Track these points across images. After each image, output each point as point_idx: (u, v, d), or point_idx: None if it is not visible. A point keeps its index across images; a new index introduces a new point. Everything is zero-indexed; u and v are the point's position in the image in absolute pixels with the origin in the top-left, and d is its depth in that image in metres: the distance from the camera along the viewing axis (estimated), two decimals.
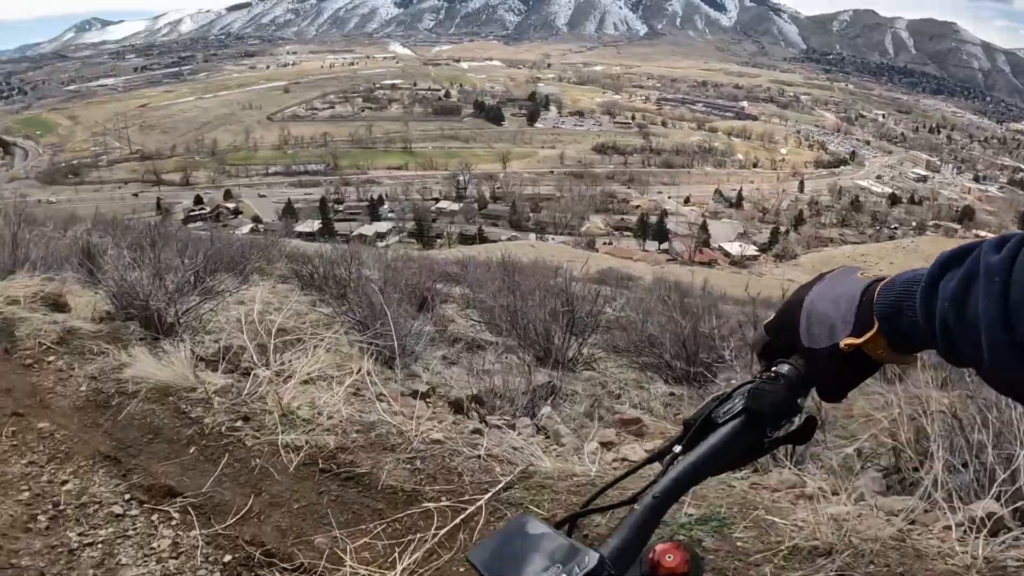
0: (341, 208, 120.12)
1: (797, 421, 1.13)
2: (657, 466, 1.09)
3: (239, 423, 4.11)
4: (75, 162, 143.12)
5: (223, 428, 4.06)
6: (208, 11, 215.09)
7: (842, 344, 1.03)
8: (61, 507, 3.47)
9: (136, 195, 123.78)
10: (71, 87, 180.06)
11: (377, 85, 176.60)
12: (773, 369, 1.13)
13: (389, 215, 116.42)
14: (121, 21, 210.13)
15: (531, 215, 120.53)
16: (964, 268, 0.85)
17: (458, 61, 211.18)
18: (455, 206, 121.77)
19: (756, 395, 1.08)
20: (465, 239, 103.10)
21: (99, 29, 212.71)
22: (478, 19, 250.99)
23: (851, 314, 1.03)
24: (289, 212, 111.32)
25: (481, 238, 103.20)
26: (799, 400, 1.11)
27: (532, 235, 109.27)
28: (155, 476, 3.65)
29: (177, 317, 6.11)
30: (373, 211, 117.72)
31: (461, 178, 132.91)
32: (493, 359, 7.46)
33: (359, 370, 4.69)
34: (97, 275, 7.46)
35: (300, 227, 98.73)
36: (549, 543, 0.94)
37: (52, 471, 3.78)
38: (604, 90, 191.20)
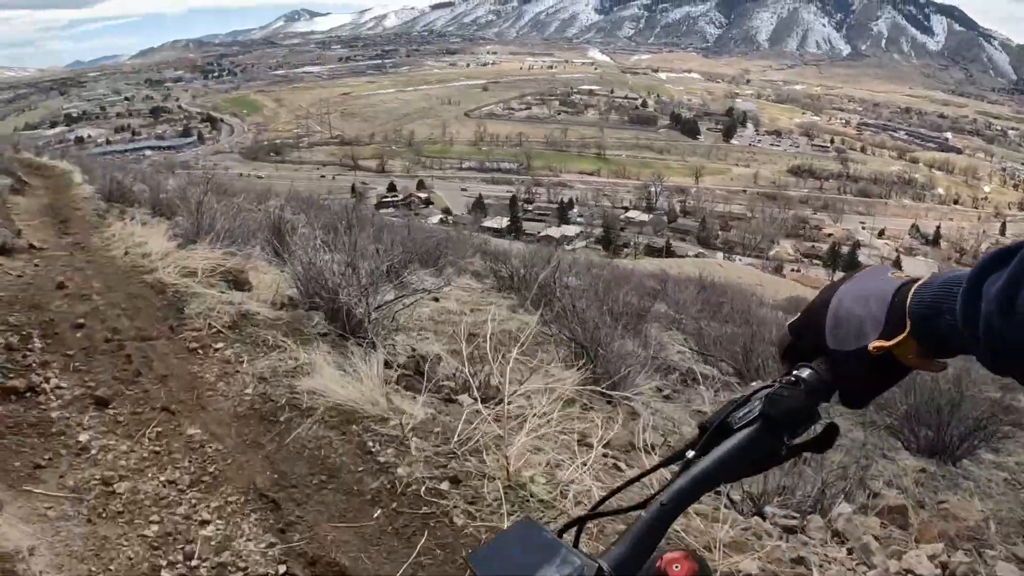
0: (531, 208, 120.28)
1: (817, 428, 1.08)
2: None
3: (444, 485, 3.17)
4: (277, 141, 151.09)
5: (422, 489, 3.12)
6: (412, 8, 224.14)
7: (871, 347, 0.97)
8: (194, 562, 2.77)
9: (333, 177, 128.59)
10: (278, 72, 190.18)
11: (574, 90, 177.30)
12: (794, 373, 1.07)
13: (578, 219, 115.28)
14: (328, 13, 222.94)
15: (720, 233, 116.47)
16: (1012, 267, 0.79)
17: (656, 71, 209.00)
18: (644, 217, 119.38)
19: (773, 400, 1.03)
20: (652, 251, 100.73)
21: (307, 20, 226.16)
22: (678, 30, 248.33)
23: (882, 314, 0.97)
24: (479, 207, 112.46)
25: (668, 252, 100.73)
26: (820, 406, 1.06)
27: (719, 254, 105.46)
28: (322, 543, 2.83)
29: (368, 314, 5.38)
30: (562, 214, 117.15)
31: (652, 189, 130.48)
32: (711, 397, 6.36)
33: (590, 417, 3.99)
34: (284, 255, 7.23)
35: (489, 222, 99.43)
36: (549, 551, 0.93)
37: (193, 501, 3.15)
38: (803, 110, 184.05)
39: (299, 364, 4.29)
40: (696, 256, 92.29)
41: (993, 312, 0.80)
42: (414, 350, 5.30)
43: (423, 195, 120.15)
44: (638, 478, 1.15)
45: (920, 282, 0.96)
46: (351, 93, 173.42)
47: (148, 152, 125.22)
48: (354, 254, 6.01)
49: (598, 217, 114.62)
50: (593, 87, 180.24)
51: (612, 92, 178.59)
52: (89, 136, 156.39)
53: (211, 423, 3.74)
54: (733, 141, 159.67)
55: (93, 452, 3.48)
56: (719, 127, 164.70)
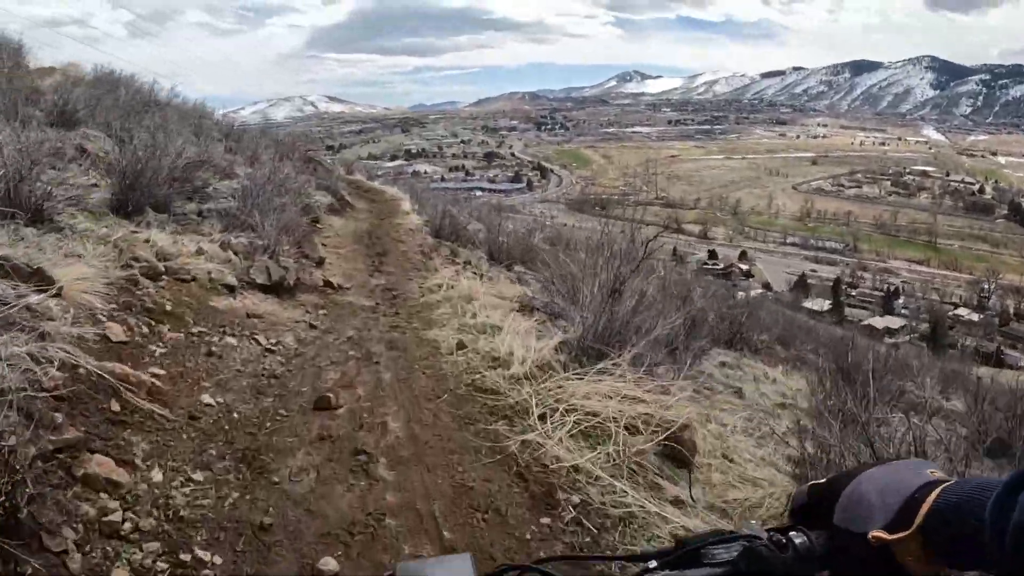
0: (854, 293, 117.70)
1: None
2: None
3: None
4: (603, 196, 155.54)
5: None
6: (743, 75, 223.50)
7: (870, 536, 0.92)
8: None
9: (655, 238, 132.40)
10: (608, 130, 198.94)
11: (907, 170, 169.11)
12: (789, 534, 1.02)
13: (903, 311, 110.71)
14: (660, 76, 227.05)
15: None
16: None
17: (994, 154, 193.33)
18: (974, 316, 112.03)
19: (752, 556, 0.97)
20: (980, 355, 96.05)
21: (638, 82, 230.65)
22: (1018, 109, 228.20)
23: (894, 507, 0.93)
24: (801, 286, 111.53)
25: (998, 360, 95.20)
26: None
27: None
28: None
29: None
30: (886, 303, 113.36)
31: (985, 286, 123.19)
32: None
33: None
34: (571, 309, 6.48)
35: (809, 303, 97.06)
36: None
37: None
38: None
39: None
40: None
41: None
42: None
43: (744, 266, 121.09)
44: (592, 557, 1.23)
45: (951, 482, 0.92)
46: (678, 156, 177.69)
47: (479, 192, 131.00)
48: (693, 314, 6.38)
49: (925, 311, 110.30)
50: (927, 168, 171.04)
51: (947, 175, 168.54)
52: (425, 172, 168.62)
53: None
54: None
55: None
56: None
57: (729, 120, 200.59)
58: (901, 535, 0.90)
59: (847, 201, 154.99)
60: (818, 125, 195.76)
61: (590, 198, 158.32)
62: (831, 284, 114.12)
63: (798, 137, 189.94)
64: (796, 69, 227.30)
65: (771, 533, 1.03)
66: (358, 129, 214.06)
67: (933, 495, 0.91)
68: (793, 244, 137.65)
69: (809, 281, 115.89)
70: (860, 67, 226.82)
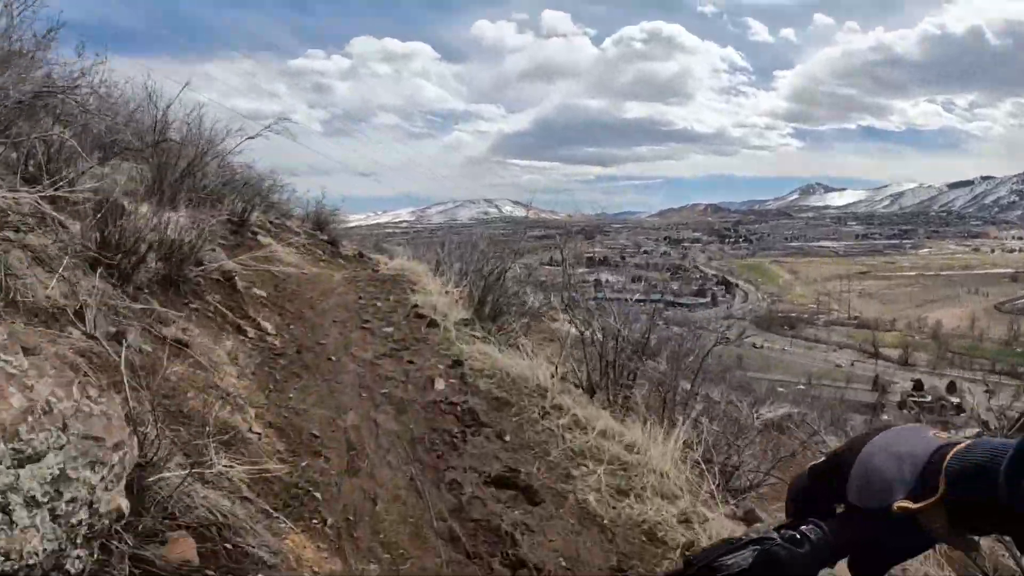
0: None
1: None
2: None
3: None
4: (792, 315, 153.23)
5: None
6: (930, 186, 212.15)
7: (895, 506, 0.89)
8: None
9: (852, 364, 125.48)
10: (793, 244, 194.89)
11: None
12: (801, 529, 0.98)
13: None
14: (843, 189, 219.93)
15: None
16: None
17: None
18: None
19: (770, 558, 0.92)
20: None
21: (821, 194, 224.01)
22: None
23: (913, 475, 0.90)
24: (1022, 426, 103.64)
25: None
26: (823, 571, 0.95)
27: None
28: None
29: None
30: None
31: None
32: None
33: None
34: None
35: None
36: None
37: None
38: None
39: None
40: None
41: None
42: None
43: (954, 400, 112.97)
44: None
45: (962, 445, 0.90)
46: (868, 272, 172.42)
47: (662, 306, 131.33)
48: None
49: None
50: None
51: None
52: (607, 280, 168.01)
53: None
54: None
55: None
56: None
57: (918, 234, 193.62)
58: (929, 501, 0.88)
59: None
60: (1013, 238, 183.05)
61: (778, 316, 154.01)
62: None
63: (992, 251, 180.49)
64: (985, 178, 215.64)
65: (782, 531, 1.01)
66: (540, 234, 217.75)
67: (947, 458, 0.90)
68: (1002, 372, 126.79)
69: None
70: None
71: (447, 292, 9.49)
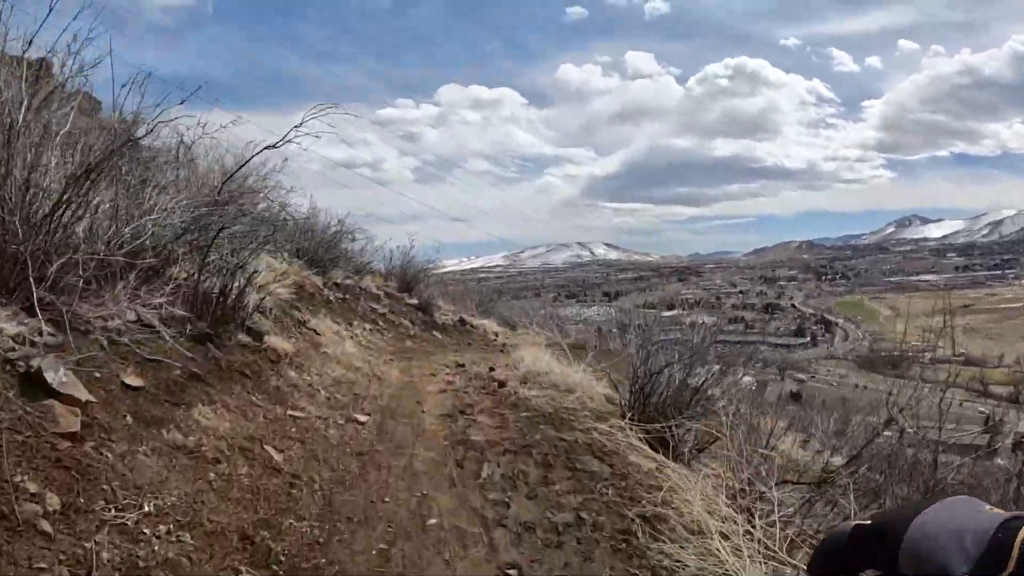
0: None
1: None
2: None
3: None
4: (895, 353, 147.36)
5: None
6: None
7: None
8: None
9: (960, 404, 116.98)
10: (892, 278, 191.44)
11: None
12: None
13: None
14: (940, 220, 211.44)
15: None
16: None
17: None
18: None
19: None
20: None
21: (918, 226, 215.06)
22: None
23: (978, 549, 0.86)
24: None
25: None
26: None
27: None
28: None
29: None
30: None
31: None
32: None
33: None
34: None
35: None
36: None
37: None
38: None
39: None
40: None
41: None
42: None
43: None
44: None
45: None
46: (971, 305, 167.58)
47: (762, 348, 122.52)
48: None
49: None
50: None
51: None
52: (703, 322, 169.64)
53: None
54: None
55: None
56: None
57: (1021, 263, 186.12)
58: None
59: None
60: None
61: (880, 355, 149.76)
62: None
63: None
64: None
65: None
66: (634, 277, 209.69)
67: (1021, 534, 0.86)
68: None
69: None
70: None
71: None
